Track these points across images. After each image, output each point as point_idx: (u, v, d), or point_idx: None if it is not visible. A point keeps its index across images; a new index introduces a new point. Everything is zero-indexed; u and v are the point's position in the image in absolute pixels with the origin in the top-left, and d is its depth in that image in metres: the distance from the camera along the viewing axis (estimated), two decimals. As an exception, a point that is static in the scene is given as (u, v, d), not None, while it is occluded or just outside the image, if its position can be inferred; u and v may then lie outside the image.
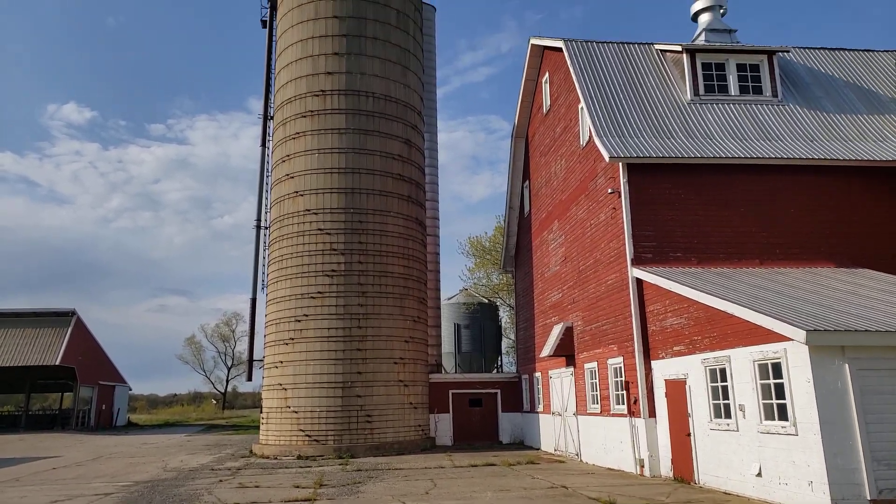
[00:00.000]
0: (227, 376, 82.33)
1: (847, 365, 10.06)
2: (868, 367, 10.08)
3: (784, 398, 10.67)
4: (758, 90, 18.47)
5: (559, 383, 21.55)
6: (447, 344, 31.12)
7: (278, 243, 24.59)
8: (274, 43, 27.94)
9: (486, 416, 26.52)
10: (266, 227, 26.99)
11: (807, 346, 10.08)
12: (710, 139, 17.28)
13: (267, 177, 27.51)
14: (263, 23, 29.52)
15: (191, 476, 17.19)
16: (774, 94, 18.41)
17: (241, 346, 78.25)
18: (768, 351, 11.07)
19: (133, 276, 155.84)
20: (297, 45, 25.37)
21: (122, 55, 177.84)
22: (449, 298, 32.66)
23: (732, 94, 18.33)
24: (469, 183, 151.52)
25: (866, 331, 10.10)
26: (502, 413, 26.64)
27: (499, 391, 26.82)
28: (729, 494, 11.86)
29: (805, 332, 9.97)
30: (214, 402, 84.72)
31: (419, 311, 24.90)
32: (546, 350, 21.30)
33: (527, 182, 27.13)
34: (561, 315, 21.75)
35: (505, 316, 40.09)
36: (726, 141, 17.20)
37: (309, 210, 23.91)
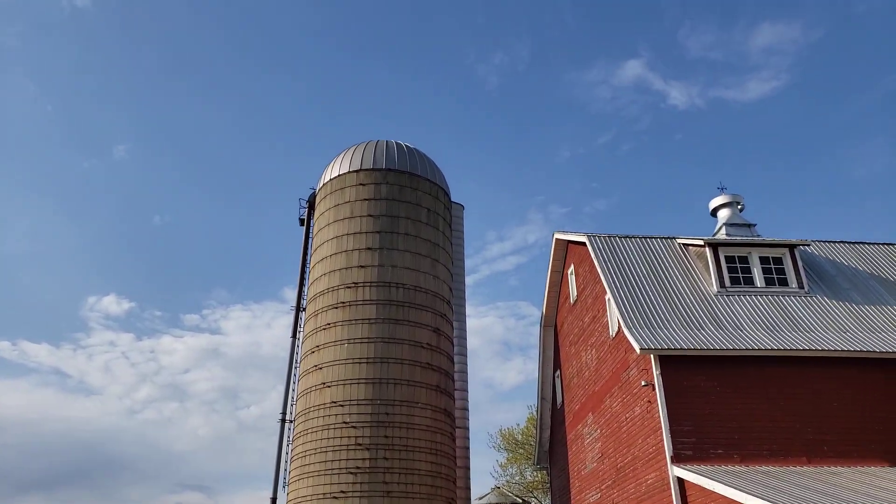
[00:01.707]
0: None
1: (923, 583, 9.05)
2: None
3: None
4: (783, 282, 18.75)
5: None
6: (479, 549, 28.79)
7: (302, 437, 24.12)
8: (310, 239, 29.78)
9: None
10: (291, 421, 26.68)
11: (873, 560, 9.17)
12: (741, 330, 17.26)
13: (295, 368, 27.81)
14: (301, 221, 31.69)
15: None
16: (801, 286, 18.65)
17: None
18: (831, 565, 10.07)
19: (153, 471, 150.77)
20: (333, 241, 27.00)
21: (165, 249, 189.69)
22: (480, 498, 30.82)
23: (758, 285, 18.62)
24: (501, 369, 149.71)
25: (937, 542, 9.22)
26: None
27: None
28: None
29: (868, 543, 9.15)
30: None
31: (447, 512, 23.50)
32: (586, 558, 19.55)
33: (558, 372, 26.84)
34: (600, 517, 20.27)
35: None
36: (757, 332, 17.15)
37: (335, 402, 23.75)
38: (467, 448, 29.27)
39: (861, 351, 16.39)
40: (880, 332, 17.18)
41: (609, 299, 19.44)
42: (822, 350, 16.42)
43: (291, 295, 29.98)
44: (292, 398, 27.20)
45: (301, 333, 27.65)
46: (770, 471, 14.89)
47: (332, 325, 25.30)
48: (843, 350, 16.42)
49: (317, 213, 29.08)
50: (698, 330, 17.26)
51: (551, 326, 27.84)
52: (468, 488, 28.29)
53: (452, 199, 32.12)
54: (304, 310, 28.01)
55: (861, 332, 17.21)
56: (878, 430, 15.81)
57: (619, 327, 18.57)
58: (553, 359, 27.75)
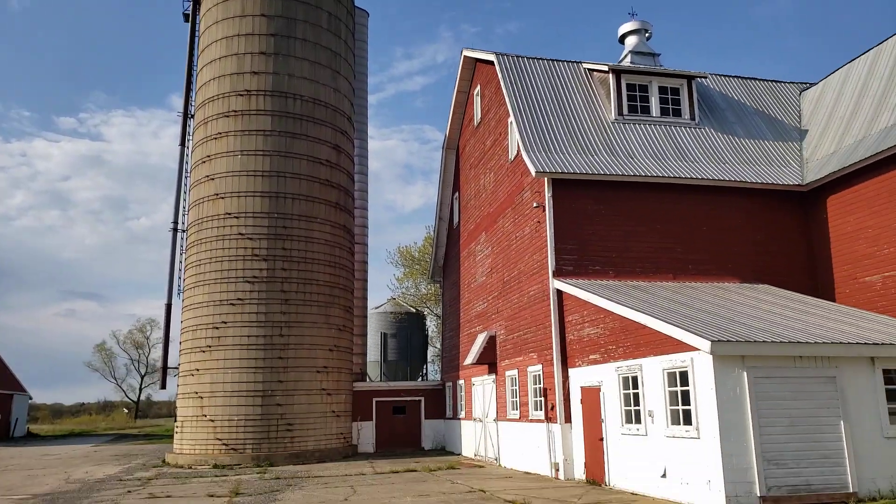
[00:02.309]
0: (141, 384, 78.82)
1: (745, 373, 10.71)
2: (764, 376, 10.77)
3: (689, 404, 11.24)
4: (677, 113, 19.44)
5: (481, 390, 21.83)
6: (373, 353, 30.94)
7: (196, 247, 23.83)
8: (197, 38, 27.05)
9: (410, 423, 26.52)
10: (183, 231, 26.13)
11: (711, 356, 10.67)
12: (632, 158, 18.05)
13: (186, 178, 26.64)
14: (186, 16, 28.43)
15: (96, 488, 16.35)
16: (692, 118, 19.43)
17: (156, 354, 75.16)
18: (677, 360, 11.64)
19: (39, 279, 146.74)
20: (222, 42, 24.75)
21: (30, 41, 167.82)
22: (376, 308, 32.53)
23: (654, 115, 19.21)
24: (402, 192, 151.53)
25: (763, 342, 10.79)
26: (425, 420, 26.71)
27: (423, 399, 26.88)
28: (636, 495, 12.35)
29: (710, 342, 10.56)
30: (126, 411, 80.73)
31: (345, 319, 24.68)
32: (469, 358, 21.54)
33: (457, 194, 27.45)
34: (485, 325, 22.08)
35: (432, 325, 40.23)
36: (646, 160, 18.01)
37: (230, 214, 23.31)
38: (366, 262, 30.23)
39: (735, 181, 17.74)
40: (755, 165, 18.53)
41: (511, 122, 19.53)
42: (702, 179, 17.61)
43: (179, 102, 27.88)
44: (184, 208, 26.41)
45: (190, 142, 26.16)
46: (639, 285, 16.51)
47: (223, 134, 24.02)
48: (716, 179, 17.69)
49: (203, 8, 26.24)
50: (592, 156, 17.88)
51: (453, 149, 27.93)
52: (365, 299, 29.68)
53: (356, 4, 29.87)
54: (193, 117, 26.28)
55: (738, 164, 18.49)
56: (736, 252, 17.66)
57: (519, 150, 18.89)
58: (453, 181, 28.24)
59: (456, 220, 27.33)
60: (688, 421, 11.28)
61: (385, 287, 60.40)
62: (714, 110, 20.16)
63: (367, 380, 28.85)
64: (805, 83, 22.19)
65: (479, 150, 23.88)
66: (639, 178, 17.35)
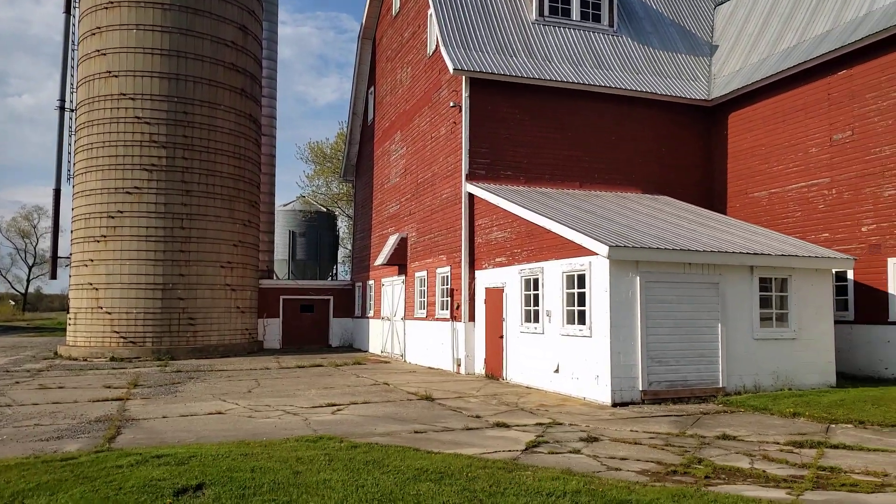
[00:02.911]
0: (29, 276, 74.56)
1: (638, 277, 11.32)
2: (654, 280, 11.43)
3: (584, 305, 11.83)
4: (597, 18, 19.22)
5: (390, 290, 22.11)
6: (281, 251, 30.43)
7: (87, 129, 21.98)
8: None
9: (318, 321, 26.70)
10: (72, 110, 23.95)
11: (608, 260, 11.16)
12: (550, 62, 17.85)
13: (73, 51, 24.14)
14: None
15: (-21, 379, 15.57)
16: (611, 25, 19.29)
17: (45, 244, 70.76)
18: (576, 264, 12.11)
19: None
20: None
21: None
22: (285, 205, 31.69)
23: (574, 18, 18.92)
24: (315, 85, 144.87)
25: (656, 248, 11.36)
26: (334, 319, 26.97)
27: (332, 298, 27.00)
28: (531, 388, 13.14)
29: (608, 247, 11.00)
30: (13, 303, 76.56)
31: (250, 214, 23.90)
32: (380, 259, 21.61)
33: (372, 88, 26.48)
34: (397, 226, 22.04)
35: (344, 226, 39.85)
36: (564, 65, 17.88)
37: (125, 94, 21.49)
38: (273, 156, 29.08)
39: (647, 92, 18.02)
40: (666, 77, 18.84)
41: (431, 14, 18.70)
42: (617, 88, 17.77)
43: (63, -37, 24.65)
44: (72, 85, 24.08)
45: (77, 10, 23.49)
46: (548, 192, 16.82)
47: (115, 3, 21.67)
48: (633, 90, 17.91)
49: None
50: (511, 57, 17.55)
51: (370, 39, 26.65)
52: (272, 194, 28.77)
53: None
54: (80, -19, 23.48)
55: (651, 75, 18.72)
56: (640, 163, 18.24)
57: (437, 46, 18.25)
58: (369, 74, 27.14)
59: (371, 116, 26.52)
60: (582, 321, 11.91)
61: (294, 185, 58.94)
62: (633, 18, 20.10)
63: (275, 278, 28.51)
64: (722, -2, 22.42)
65: (397, 43, 22.91)
66: (556, 84, 17.28)
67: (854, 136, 14.77)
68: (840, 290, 14.77)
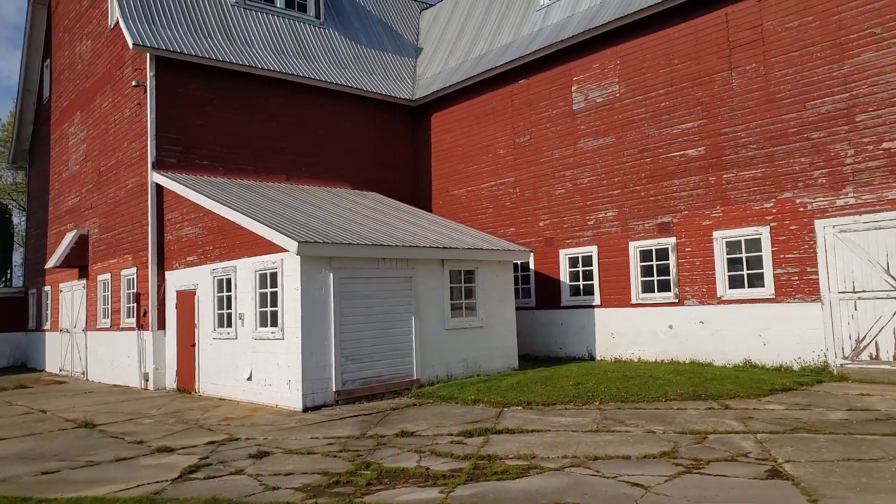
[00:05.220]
0: None
1: (332, 274, 10.93)
2: (349, 276, 11.15)
3: (277, 306, 11.09)
4: (303, 8, 18.57)
5: (70, 297, 18.91)
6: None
7: None
8: None
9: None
10: None
11: (299, 257, 10.56)
12: (250, 47, 16.72)
13: None
14: None
15: None
16: (318, 16, 18.80)
17: None
18: (268, 261, 11.31)
19: None
20: None
21: None
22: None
23: (278, 6, 18.01)
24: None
25: (349, 244, 11.09)
26: (2, 334, 22.38)
27: (-4, 309, 22.36)
28: (223, 399, 12.01)
29: (298, 243, 10.40)
30: None
31: None
32: (53, 260, 18.30)
33: (48, 61, 22.46)
34: (77, 222, 18.92)
35: (21, 222, 33.56)
36: (266, 53, 16.89)
37: None
38: None
39: (354, 87, 17.91)
40: (374, 75, 18.95)
41: (110, -21, 16.27)
42: (322, 81, 17.32)
43: None
44: None
45: None
46: (249, 184, 15.71)
47: None
48: (340, 84, 17.64)
49: None
50: (206, 38, 16.03)
51: (45, 5, 22.58)
52: None
53: None
54: None
55: (359, 71, 18.67)
56: (350, 159, 18.05)
57: (118, 18, 15.91)
58: (44, 45, 23.00)
59: (47, 93, 22.48)
60: (275, 323, 11.15)
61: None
62: (340, 13, 19.89)
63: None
64: (426, 3, 23.41)
65: (75, 11, 19.65)
66: (256, 70, 16.23)
67: (532, 140, 16.33)
68: (524, 280, 16.23)
